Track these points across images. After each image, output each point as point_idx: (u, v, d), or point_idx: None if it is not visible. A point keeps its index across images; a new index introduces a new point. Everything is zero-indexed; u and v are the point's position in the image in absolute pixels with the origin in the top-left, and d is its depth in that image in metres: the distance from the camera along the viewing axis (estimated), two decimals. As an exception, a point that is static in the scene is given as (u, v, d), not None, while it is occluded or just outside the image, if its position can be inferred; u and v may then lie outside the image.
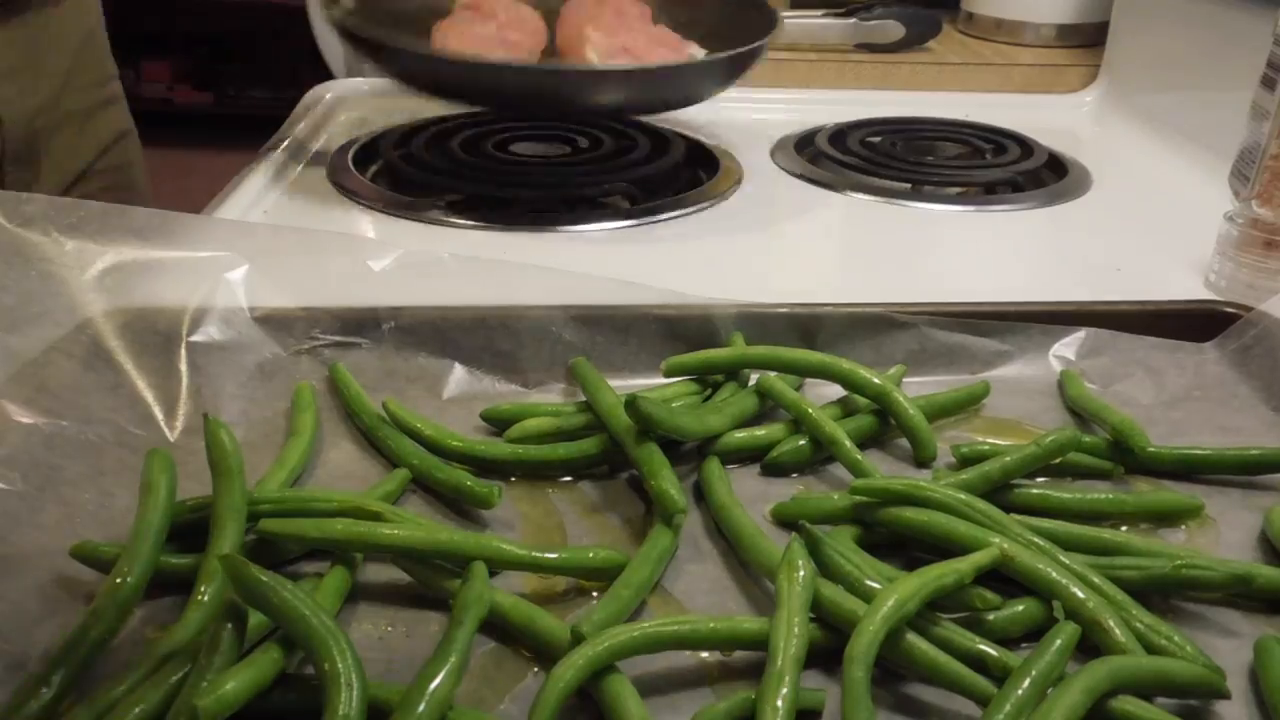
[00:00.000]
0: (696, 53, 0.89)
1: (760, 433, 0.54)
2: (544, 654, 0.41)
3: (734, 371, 0.58)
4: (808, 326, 0.60)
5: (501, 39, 0.87)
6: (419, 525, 0.45)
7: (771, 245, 0.81)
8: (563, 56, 0.89)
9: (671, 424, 0.50)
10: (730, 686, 0.40)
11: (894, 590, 0.39)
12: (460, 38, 0.87)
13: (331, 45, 1.79)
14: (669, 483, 0.47)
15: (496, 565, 0.44)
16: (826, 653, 0.40)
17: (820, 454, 0.53)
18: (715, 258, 0.77)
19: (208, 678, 0.36)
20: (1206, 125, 0.94)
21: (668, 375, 0.58)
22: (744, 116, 1.06)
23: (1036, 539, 0.45)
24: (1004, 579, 0.43)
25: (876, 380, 0.55)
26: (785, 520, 0.49)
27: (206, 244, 0.60)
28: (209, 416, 0.48)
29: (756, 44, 0.85)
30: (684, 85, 0.86)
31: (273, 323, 0.58)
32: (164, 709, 0.36)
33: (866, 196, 0.89)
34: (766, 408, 0.56)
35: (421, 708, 0.35)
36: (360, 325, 0.58)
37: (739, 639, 0.40)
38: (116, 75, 1.03)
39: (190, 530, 0.45)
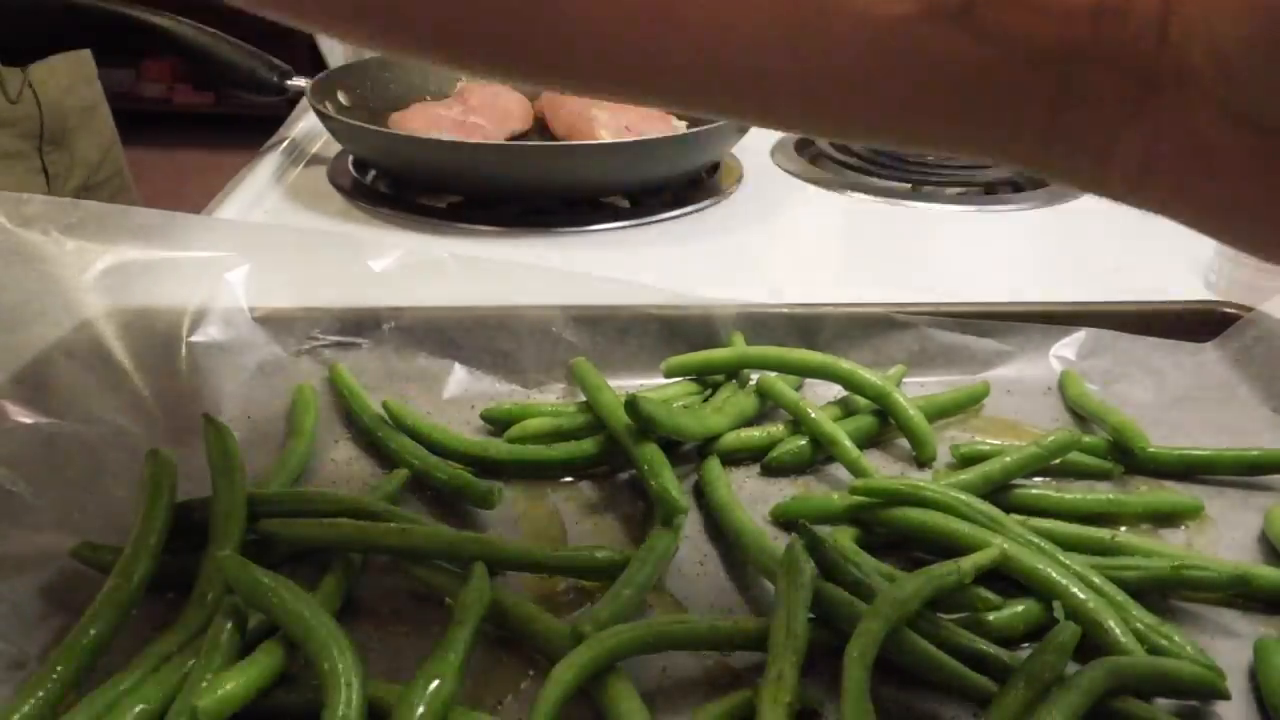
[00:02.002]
0: (679, 125, 0.90)
1: (760, 433, 0.54)
2: (544, 654, 0.41)
3: (734, 371, 0.58)
4: (808, 327, 0.60)
5: (460, 122, 0.87)
6: (419, 525, 0.45)
7: (771, 245, 0.81)
8: (567, 140, 0.89)
9: (671, 424, 0.50)
10: (730, 686, 0.40)
11: (894, 590, 0.39)
12: (417, 119, 0.87)
13: (332, 45, 1.79)
14: (669, 483, 0.47)
15: (496, 565, 0.44)
16: (826, 653, 0.40)
17: (820, 454, 0.53)
18: (715, 258, 0.77)
19: (208, 678, 0.36)
20: (1206, 125, 0.94)
21: (668, 375, 0.58)
22: (744, 116, 1.06)
23: (1036, 539, 0.45)
24: (1004, 579, 0.43)
25: (876, 380, 0.55)
26: (785, 520, 0.49)
27: (206, 244, 0.60)
28: (209, 416, 0.48)
29: None
30: (702, 151, 0.86)
31: (273, 323, 0.58)
32: (164, 709, 0.36)
33: (866, 196, 0.89)
34: (766, 408, 0.56)
35: (421, 708, 0.35)
36: (360, 325, 0.58)
37: (739, 639, 0.40)
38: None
39: (190, 530, 0.45)
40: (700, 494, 0.50)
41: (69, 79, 0.94)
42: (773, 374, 0.56)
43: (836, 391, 0.57)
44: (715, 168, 0.92)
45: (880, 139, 0.33)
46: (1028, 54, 0.27)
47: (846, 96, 0.30)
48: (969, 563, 0.41)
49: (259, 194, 0.83)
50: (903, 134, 0.31)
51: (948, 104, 0.29)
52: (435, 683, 0.36)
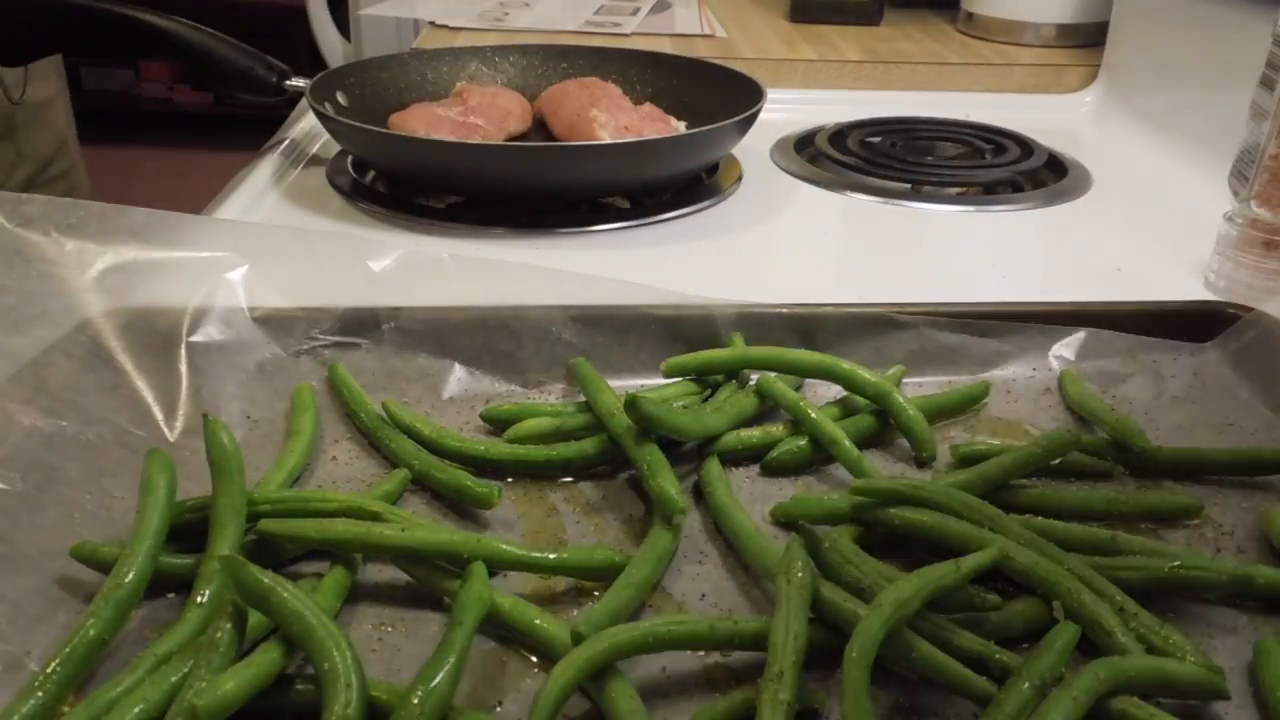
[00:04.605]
0: (679, 126, 0.90)
1: (760, 433, 0.54)
2: (544, 654, 0.41)
3: (734, 372, 0.58)
4: (808, 327, 0.60)
5: (460, 122, 0.86)
6: (419, 525, 0.45)
7: (771, 245, 0.81)
8: (567, 140, 0.88)
9: (671, 424, 0.50)
10: (730, 686, 0.40)
11: (894, 590, 0.39)
12: (417, 119, 0.86)
13: (331, 46, 1.80)
14: (669, 483, 0.47)
15: (496, 565, 0.44)
16: (826, 653, 0.40)
17: (820, 454, 0.53)
18: (715, 258, 0.77)
19: (207, 678, 0.36)
20: (1206, 125, 0.94)
21: (668, 375, 0.58)
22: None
23: (1036, 539, 0.45)
24: (1004, 579, 0.43)
25: (876, 381, 0.55)
26: (785, 520, 0.49)
27: (206, 244, 0.60)
28: (209, 416, 0.48)
29: (757, 107, 0.85)
30: (700, 152, 0.86)
31: (273, 323, 0.58)
32: (164, 709, 0.36)
33: (866, 196, 0.89)
34: (766, 408, 0.56)
35: (421, 708, 0.35)
36: (360, 325, 0.58)
37: (739, 639, 0.40)
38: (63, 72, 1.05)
39: (190, 530, 0.45)
40: (700, 494, 0.51)
41: (13, 76, 0.94)
42: (773, 374, 0.56)
43: (836, 391, 0.57)
44: (715, 168, 0.92)
45: None
46: None
47: None
48: (969, 563, 0.41)
49: (259, 194, 0.83)
50: None
51: None
52: (435, 683, 0.36)
